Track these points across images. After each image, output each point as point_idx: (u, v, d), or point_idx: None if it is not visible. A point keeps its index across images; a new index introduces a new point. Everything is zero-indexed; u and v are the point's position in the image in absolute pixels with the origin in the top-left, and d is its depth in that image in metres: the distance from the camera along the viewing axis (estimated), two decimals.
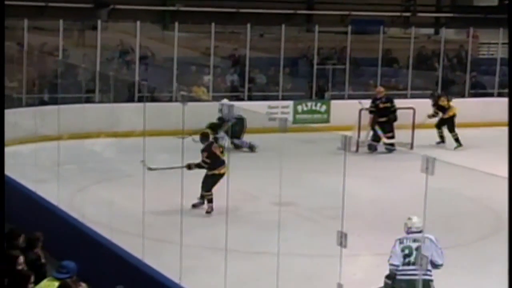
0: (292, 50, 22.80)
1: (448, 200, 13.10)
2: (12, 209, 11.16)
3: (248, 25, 21.36)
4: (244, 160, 15.51)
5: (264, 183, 13.64)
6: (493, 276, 9.96)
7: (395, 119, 18.83)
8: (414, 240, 8.36)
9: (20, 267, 6.96)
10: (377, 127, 18.74)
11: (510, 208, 4.86)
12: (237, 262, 8.93)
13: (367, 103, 19.17)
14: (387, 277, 8.47)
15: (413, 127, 18.92)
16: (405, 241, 8.45)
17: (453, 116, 19.40)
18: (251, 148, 18.02)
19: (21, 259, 7.11)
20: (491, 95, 23.41)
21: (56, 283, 7.21)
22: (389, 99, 19.03)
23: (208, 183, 12.74)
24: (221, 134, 15.33)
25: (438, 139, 19.50)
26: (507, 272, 4.80)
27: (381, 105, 18.78)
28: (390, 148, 18.43)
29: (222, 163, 12.76)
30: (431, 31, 26.35)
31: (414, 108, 19.12)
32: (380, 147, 18.44)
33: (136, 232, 10.30)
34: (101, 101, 19.36)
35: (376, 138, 18.62)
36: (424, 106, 19.92)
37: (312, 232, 11.92)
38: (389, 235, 11.57)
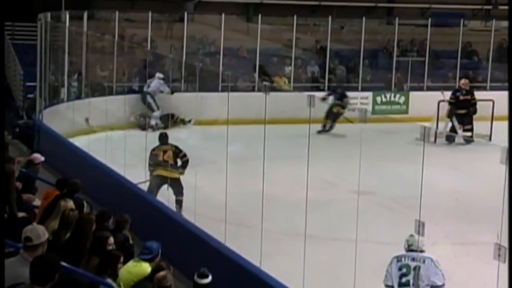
0: (372, 42, 22.63)
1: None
2: (103, 192, 11.41)
3: (329, 18, 21.26)
4: (323, 149, 15.41)
5: (344, 172, 13.59)
6: None
7: (474, 111, 18.51)
8: (413, 259, 7.55)
9: (110, 248, 7.05)
10: (454, 119, 18.47)
11: (510, 208, 4.68)
12: (315, 248, 8.89)
13: (448, 94, 18.90)
14: None
15: (492, 119, 18.55)
16: (403, 259, 7.61)
17: None
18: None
19: (111, 240, 7.21)
20: None
21: (142, 264, 7.30)
22: (470, 92, 18.71)
23: None
24: None
25: None
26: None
27: (462, 97, 18.50)
28: (469, 139, 18.13)
29: None
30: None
31: (493, 100, 18.74)
32: (458, 138, 18.15)
33: (219, 217, 10.38)
34: (186, 90, 19.54)
35: (454, 129, 18.33)
36: (503, 98, 19.48)
37: (390, 221, 11.80)
38: (466, 226, 11.45)
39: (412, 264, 7.51)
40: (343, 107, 18.90)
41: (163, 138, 12.74)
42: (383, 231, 11.07)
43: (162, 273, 6.51)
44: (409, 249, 7.63)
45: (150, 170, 12.43)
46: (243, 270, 8.78)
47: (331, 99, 18.68)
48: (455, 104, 18.47)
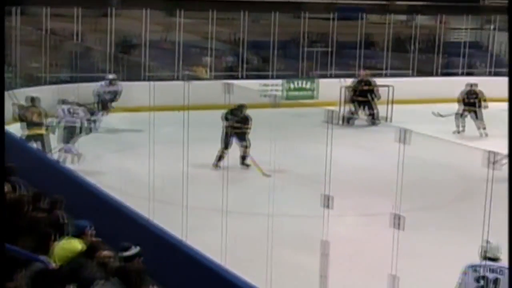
0: (283, 34, 22.75)
1: (423, 168, 13.09)
2: (37, 175, 11.18)
3: (244, 12, 21.34)
4: None
5: (259, 153, 13.67)
6: (464, 232, 10.00)
7: (378, 98, 18.79)
8: (492, 270, 6.35)
9: (42, 227, 6.93)
10: (356, 104, 18.75)
11: (510, 207, 4.70)
12: (235, 222, 8.91)
13: (348, 81, 19.20)
14: None
15: (391, 102, 18.92)
16: (481, 270, 6.40)
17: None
18: None
19: (45, 219, 7.09)
20: (457, 74, 23.34)
21: (74, 241, 7.19)
22: (370, 82, 18.96)
23: None
24: None
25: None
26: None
27: (362, 87, 18.80)
28: (372, 121, 18.46)
29: None
30: (406, 17, 26.24)
31: (392, 86, 19.11)
32: (362, 121, 18.45)
33: (145, 195, 10.30)
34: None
35: (353, 114, 18.64)
36: (400, 84, 19.92)
37: (301, 196, 11.90)
38: (368, 199, 11.66)
39: (491, 276, 6.36)
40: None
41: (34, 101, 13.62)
42: (295, 205, 11.18)
43: (106, 253, 6.46)
44: (485, 256, 6.47)
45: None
46: (169, 244, 8.74)
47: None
48: (355, 92, 18.76)
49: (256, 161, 13.30)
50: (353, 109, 18.74)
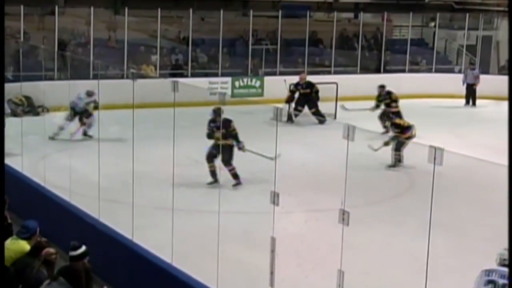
0: (230, 32, 22.77)
1: (368, 163, 13.23)
2: None
3: (191, 10, 21.26)
4: (188, 130, 15.41)
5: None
6: (407, 226, 10.15)
7: (317, 99, 18.72)
8: (503, 276, 6.43)
9: None
10: (291, 105, 18.74)
11: (510, 206, 4.71)
12: (183, 220, 8.90)
13: (294, 79, 19.28)
14: None
15: (336, 99, 19.05)
16: (492, 274, 6.52)
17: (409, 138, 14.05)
18: None
19: None
20: (403, 71, 23.65)
21: (20, 241, 7.09)
22: (309, 85, 18.85)
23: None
24: None
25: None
26: None
27: (302, 91, 18.82)
28: (320, 119, 18.55)
29: None
30: (351, 15, 26.49)
31: (337, 83, 19.25)
32: (307, 118, 18.59)
33: (93, 195, 10.20)
34: (59, 79, 19.06)
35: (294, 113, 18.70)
36: (345, 80, 20.11)
37: (249, 192, 11.93)
38: (316, 195, 11.73)
39: (500, 282, 6.43)
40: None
41: None
42: (242, 202, 11.20)
43: (50, 250, 6.40)
44: (502, 263, 6.60)
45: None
46: (116, 243, 8.69)
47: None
48: (294, 95, 18.77)
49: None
50: (291, 109, 18.73)
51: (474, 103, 22.07)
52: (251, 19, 22.37)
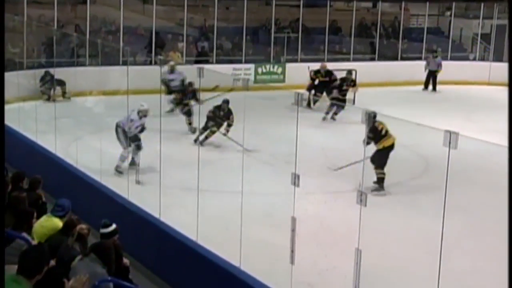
0: (253, 21, 22.71)
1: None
2: (17, 157, 11.09)
3: (216, 0, 21.27)
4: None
5: (231, 134, 13.66)
6: (422, 208, 10.09)
7: (335, 88, 18.46)
8: None
9: (23, 206, 6.87)
10: (312, 92, 18.62)
11: (510, 204, 4.62)
12: (207, 201, 8.91)
13: (316, 65, 19.20)
14: None
15: (355, 85, 18.93)
16: None
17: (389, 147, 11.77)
18: None
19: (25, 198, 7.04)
20: (419, 59, 23.46)
21: (54, 219, 7.15)
22: (328, 73, 18.69)
23: None
24: None
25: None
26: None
27: (321, 79, 18.68)
28: (339, 104, 18.43)
29: None
30: (370, 4, 26.30)
31: (356, 70, 19.13)
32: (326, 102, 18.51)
33: (123, 176, 10.26)
34: (90, 65, 19.13)
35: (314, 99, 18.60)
36: (363, 67, 20.00)
37: (270, 174, 11.91)
38: (334, 177, 11.70)
39: None
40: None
41: None
42: (264, 184, 11.19)
43: (83, 225, 6.46)
44: None
45: None
46: (145, 221, 8.73)
47: None
48: (314, 82, 18.67)
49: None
50: (311, 96, 18.63)
51: (434, 89, 21.93)
52: (273, 8, 22.31)
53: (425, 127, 6.02)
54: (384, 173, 11.44)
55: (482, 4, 24.24)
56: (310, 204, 9.87)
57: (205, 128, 13.81)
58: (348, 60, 22.41)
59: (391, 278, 8.01)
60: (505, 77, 23.75)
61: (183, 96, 15.49)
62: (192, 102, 15.14)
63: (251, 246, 7.65)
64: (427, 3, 24.14)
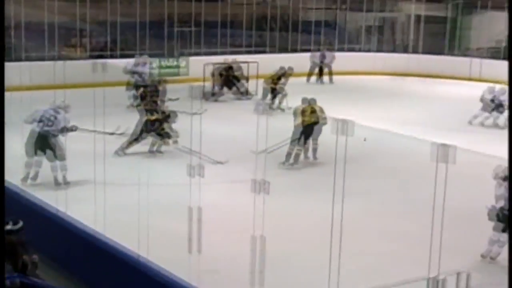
0: (156, 15, 22.49)
1: (280, 135, 13.16)
2: None
3: None
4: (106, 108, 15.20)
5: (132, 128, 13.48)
6: (322, 193, 10.25)
7: (237, 80, 18.83)
8: None
9: None
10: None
11: (510, 206, 4.69)
12: (112, 193, 8.79)
13: (217, 59, 19.33)
14: None
15: (254, 77, 19.12)
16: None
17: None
18: None
19: None
20: (315, 50, 23.77)
21: None
22: (229, 68, 19.00)
23: None
24: None
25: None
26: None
27: (224, 73, 18.85)
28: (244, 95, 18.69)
29: None
30: None
31: (257, 62, 19.35)
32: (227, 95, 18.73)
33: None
34: None
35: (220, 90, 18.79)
36: (262, 60, 20.19)
37: (173, 165, 11.79)
38: (239, 166, 11.75)
39: None
40: None
41: None
42: (167, 175, 11.12)
43: None
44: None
45: None
46: (51, 216, 8.54)
47: None
48: (221, 75, 18.88)
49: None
50: (217, 88, 18.79)
51: (331, 80, 22.29)
52: (175, 3, 22.16)
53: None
54: (299, 149, 12.34)
55: None
56: (215, 193, 9.90)
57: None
58: (249, 52, 22.58)
59: (295, 262, 8.13)
60: (395, 67, 24.59)
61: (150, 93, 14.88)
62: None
63: (156, 237, 7.60)
64: None
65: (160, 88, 15.16)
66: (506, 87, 15.53)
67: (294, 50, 23.75)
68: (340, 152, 5.87)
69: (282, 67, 17.93)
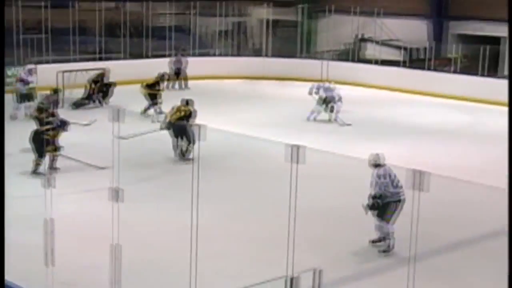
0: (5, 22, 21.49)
1: (138, 143, 13.05)
2: None
3: None
4: None
5: None
6: (178, 200, 10.20)
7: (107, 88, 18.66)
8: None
9: None
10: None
11: (510, 208, 4.63)
12: None
13: (65, 66, 18.87)
14: None
15: (110, 84, 18.82)
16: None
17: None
18: None
19: None
20: (166, 56, 23.62)
21: None
22: (102, 75, 18.73)
23: None
24: None
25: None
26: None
27: (98, 80, 18.52)
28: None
29: None
30: (117, 4, 26.14)
31: (106, 68, 19.04)
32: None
33: None
34: None
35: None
36: (115, 66, 19.87)
37: (20, 178, 11.31)
38: (92, 175, 11.48)
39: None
40: None
41: None
42: (15, 187, 10.67)
43: None
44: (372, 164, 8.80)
45: None
46: None
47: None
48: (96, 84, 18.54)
49: None
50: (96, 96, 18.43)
51: (186, 86, 22.28)
52: (20, 10, 21.30)
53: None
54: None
55: (223, 3, 25.07)
56: (69, 203, 9.61)
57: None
58: (100, 59, 22.13)
59: (151, 271, 8.03)
60: (247, 71, 24.93)
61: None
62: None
63: (11, 251, 7.25)
64: (172, 2, 24.48)
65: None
66: (331, 84, 17.56)
67: (146, 56, 23.53)
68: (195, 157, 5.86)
69: (160, 72, 17.97)
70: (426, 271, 7.77)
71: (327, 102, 17.27)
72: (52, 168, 11.64)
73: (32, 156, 11.65)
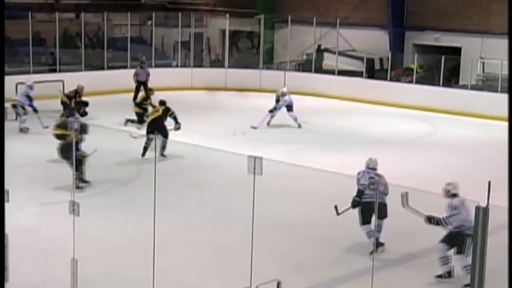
0: None
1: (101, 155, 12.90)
2: None
3: None
4: None
5: None
6: (136, 210, 10.13)
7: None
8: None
9: None
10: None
11: (510, 208, 4.58)
12: None
13: (21, 78, 18.61)
14: None
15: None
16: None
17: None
18: None
19: None
20: (125, 67, 23.43)
21: None
22: (76, 92, 18.09)
23: None
24: None
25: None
26: None
27: (72, 96, 18.07)
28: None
29: None
30: (73, 15, 25.91)
31: (63, 81, 18.86)
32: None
33: None
34: None
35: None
36: (71, 78, 19.70)
37: None
38: (48, 189, 11.35)
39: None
40: None
41: None
42: None
43: None
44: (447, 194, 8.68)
45: None
46: None
47: None
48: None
49: None
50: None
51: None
52: None
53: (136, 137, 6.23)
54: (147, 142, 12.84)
55: (180, 14, 25.03)
56: (23, 218, 9.49)
57: None
58: (55, 71, 21.89)
59: (109, 284, 7.96)
60: (205, 82, 24.88)
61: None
62: None
63: None
64: (129, 13, 24.36)
65: None
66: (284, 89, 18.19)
67: (104, 68, 23.34)
68: (151, 169, 5.85)
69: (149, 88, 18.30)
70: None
71: (274, 108, 17.88)
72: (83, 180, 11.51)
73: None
